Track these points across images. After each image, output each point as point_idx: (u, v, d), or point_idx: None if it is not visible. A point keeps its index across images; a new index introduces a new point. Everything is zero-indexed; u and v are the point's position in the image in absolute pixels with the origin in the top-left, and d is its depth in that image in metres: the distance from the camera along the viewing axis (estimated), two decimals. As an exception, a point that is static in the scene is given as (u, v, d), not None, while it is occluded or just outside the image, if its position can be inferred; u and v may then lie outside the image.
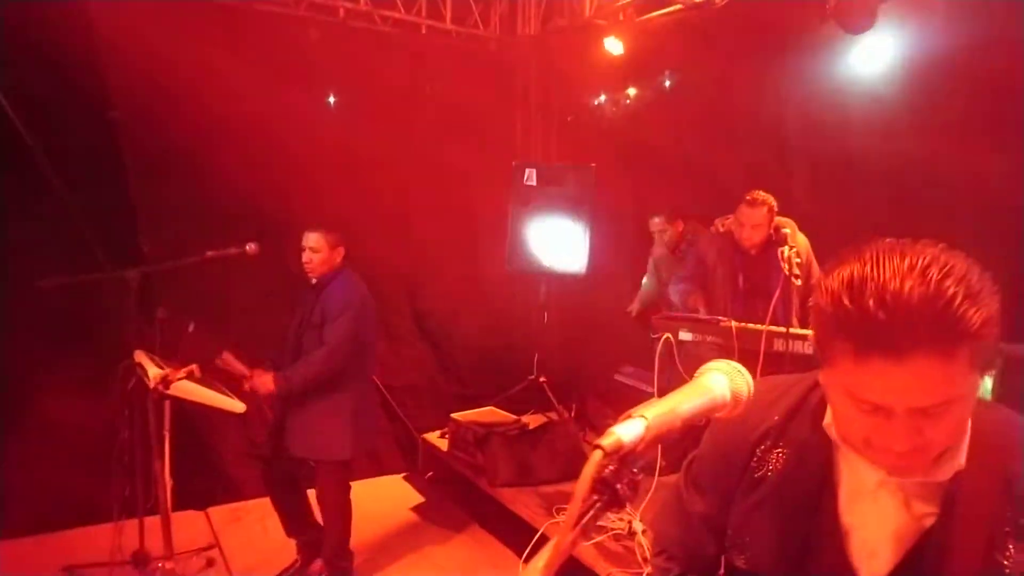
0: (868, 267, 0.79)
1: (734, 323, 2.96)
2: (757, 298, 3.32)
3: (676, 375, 2.95)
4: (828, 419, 0.95)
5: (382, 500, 4.25)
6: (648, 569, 2.83)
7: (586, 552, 2.94)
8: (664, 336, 2.95)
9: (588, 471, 0.71)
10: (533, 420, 4.42)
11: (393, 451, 4.72)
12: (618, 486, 0.72)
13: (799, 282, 3.14)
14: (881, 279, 0.77)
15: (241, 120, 4.13)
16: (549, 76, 5.36)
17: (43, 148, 3.63)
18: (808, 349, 2.76)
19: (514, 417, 4.32)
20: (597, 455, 0.72)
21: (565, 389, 4.80)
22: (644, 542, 2.96)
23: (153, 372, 2.34)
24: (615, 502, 0.73)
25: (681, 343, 2.93)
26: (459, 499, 4.24)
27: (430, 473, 4.64)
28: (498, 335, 5.25)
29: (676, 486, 1.18)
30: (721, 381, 0.85)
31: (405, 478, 4.65)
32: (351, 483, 3.28)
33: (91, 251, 3.68)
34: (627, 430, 0.74)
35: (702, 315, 3.14)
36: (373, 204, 4.58)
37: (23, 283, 3.22)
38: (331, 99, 4.53)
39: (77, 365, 3.36)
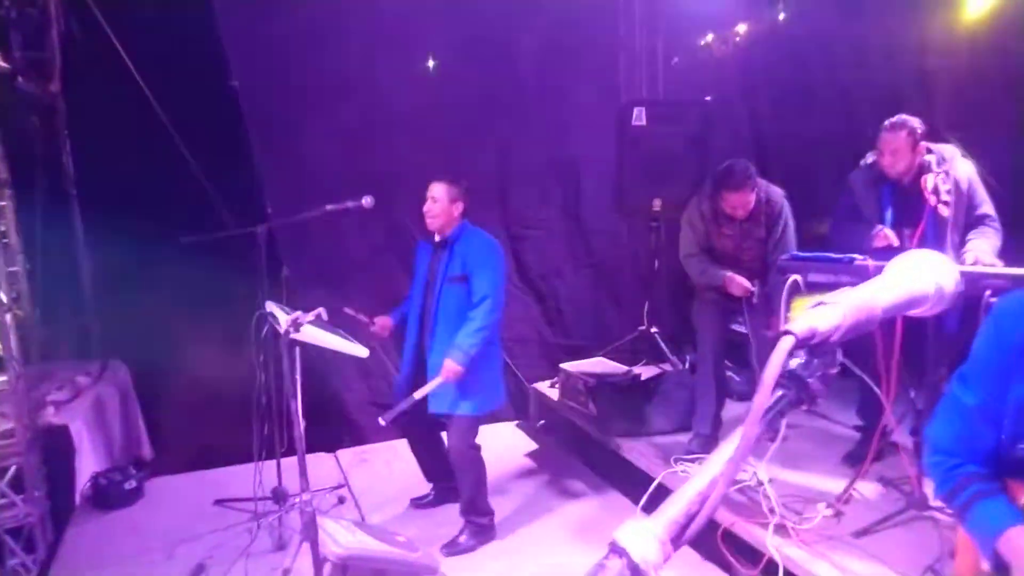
0: None
1: (871, 261, 2.69)
2: (910, 231, 3.04)
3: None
4: None
5: (496, 446, 4.31)
6: (776, 518, 2.74)
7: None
8: (791, 279, 2.73)
9: (777, 359, 0.62)
10: (645, 371, 4.33)
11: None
12: (809, 380, 0.64)
13: (947, 211, 2.82)
14: None
15: (349, 82, 4.23)
16: (654, 14, 5.09)
17: (173, 120, 3.90)
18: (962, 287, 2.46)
19: (625, 367, 4.25)
20: (787, 342, 0.63)
21: (678, 340, 4.66)
22: (771, 492, 2.83)
23: (283, 318, 2.48)
24: (805, 398, 0.64)
25: (812, 285, 2.70)
26: (571, 447, 4.25)
27: (542, 421, 4.68)
28: (605, 285, 5.16)
29: (948, 392, 1.21)
30: (925, 273, 0.75)
31: (518, 426, 4.72)
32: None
33: (219, 213, 3.93)
34: (822, 317, 0.66)
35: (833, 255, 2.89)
36: (474, 157, 4.57)
37: (164, 247, 3.48)
38: (431, 60, 4.51)
39: (218, 319, 3.62)
